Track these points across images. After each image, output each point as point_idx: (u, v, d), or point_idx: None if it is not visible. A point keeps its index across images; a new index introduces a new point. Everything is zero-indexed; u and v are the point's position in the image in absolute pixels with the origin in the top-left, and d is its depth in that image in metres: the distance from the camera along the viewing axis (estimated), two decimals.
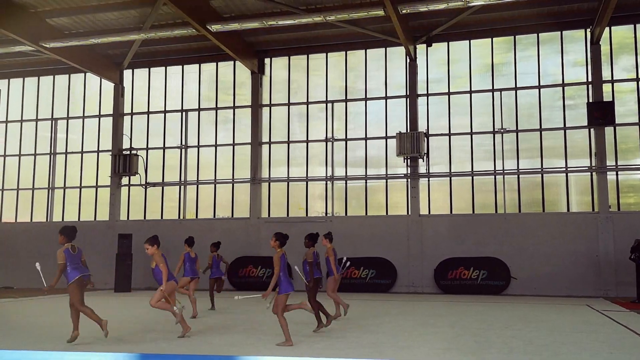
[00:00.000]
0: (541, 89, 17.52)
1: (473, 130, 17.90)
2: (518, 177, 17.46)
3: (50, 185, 21.41)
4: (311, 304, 9.03)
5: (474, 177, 17.76)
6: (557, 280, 16.41)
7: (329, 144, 19.02)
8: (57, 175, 21.45)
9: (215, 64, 20.16)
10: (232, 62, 19.75)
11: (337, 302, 10.65)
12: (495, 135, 17.68)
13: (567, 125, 17.20)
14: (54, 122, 21.68)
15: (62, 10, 17.20)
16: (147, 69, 20.88)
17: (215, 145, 20.01)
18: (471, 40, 18.12)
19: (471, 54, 18.15)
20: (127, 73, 21.05)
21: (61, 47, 17.73)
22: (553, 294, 16.23)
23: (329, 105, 19.17)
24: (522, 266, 16.76)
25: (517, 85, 17.69)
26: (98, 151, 21.02)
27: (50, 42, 17.32)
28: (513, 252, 16.89)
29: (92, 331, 8.65)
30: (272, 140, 19.59)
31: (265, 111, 19.76)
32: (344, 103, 19.09)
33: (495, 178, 17.60)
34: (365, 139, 18.75)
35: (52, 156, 21.57)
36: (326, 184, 18.94)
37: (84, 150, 21.22)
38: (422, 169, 18.09)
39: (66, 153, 21.44)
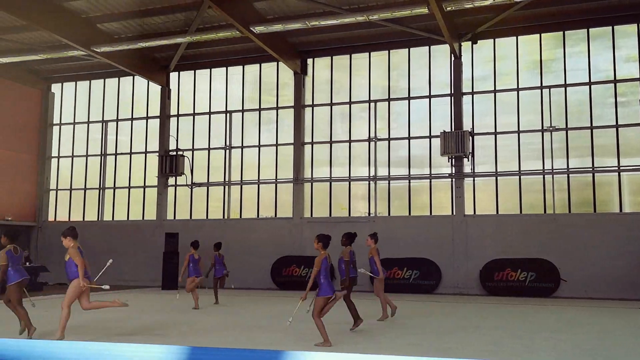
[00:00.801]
0: (592, 86, 16.97)
1: (520, 129, 17.50)
2: (568, 177, 16.97)
3: (101, 186, 22.07)
4: (348, 302, 9.05)
5: (522, 177, 17.36)
6: (609, 283, 15.85)
7: (372, 143, 18.94)
8: (108, 176, 22.10)
9: (258, 65, 20.37)
10: (275, 63, 19.90)
11: (386, 302, 10.58)
12: (544, 133, 17.24)
13: (619, 123, 16.61)
14: (104, 124, 22.34)
15: (112, 15, 17.71)
16: (193, 72, 21.26)
17: (259, 146, 20.21)
18: (518, 37, 17.72)
19: (518, 51, 17.75)
20: (173, 75, 21.50)
21: (111, 51, 18.24)
22: (605, 296, 15.68)
23: (372, 104, 19.09)
24: (572, 268, 16.27)
25: (567, 82, 17.19)
26: (146, 152, 21.54)
27: (101, 47, 17.85)
28: (563, 254, 16.41)
29: (135, 324, 8.85)
30: (314, 141, 19.64)
31: (307, 111, 19.83)
32: (387, 102, 18.97)
33: (544, 178, 17.16)
34: (409, 138, 18.58)
35: (102, 157, 22.23)
36: (369, 184, 18.86)
37: (132, 151, 21.79)
38: (466, 169, 17.80)
39: (116, 154, 22.06)
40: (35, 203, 22.53)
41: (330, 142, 19.44)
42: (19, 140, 21.90)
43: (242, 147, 20.42)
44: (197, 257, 13.26)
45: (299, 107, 19.66)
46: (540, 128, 17.28)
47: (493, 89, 17.90)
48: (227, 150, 20.55)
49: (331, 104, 19.56)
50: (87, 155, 22.47)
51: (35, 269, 18.29)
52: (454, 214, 17.65)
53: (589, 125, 16.85)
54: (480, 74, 18.14)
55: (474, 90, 18.07)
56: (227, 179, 20.41)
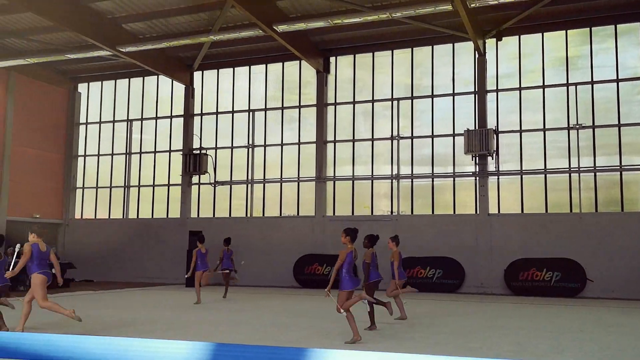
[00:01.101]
0: (619, 83, 16.66)
1: (546, 127, 17.26)
2: (595, 175, 16.68)
3: (126, 184, 22.35)
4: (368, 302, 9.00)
5: (547, 175, 17.12)
6: (638, 283, 15.54)
7: (395, 142, 18.85)
8: (132, 174, 22.37)
9: (281, 64, 20.41)
10: (298, 61, 19.92)
11: (401, 303, 10.48)
12: (570, 131, 16.97)
13: None
14: (129, 123, 22.62)
15: (136, 16, 17.91)
16: (216, 71, 21.40)
17: (281, 144, 20.26)
18: (544, 33, 17.47)
19: (544, 48, 17.50)
20: (197, 75, 21.67)
21: (136, 51, 18.46)
22: (633, 297, 15.38)
23: (395, 103, 18.99)
24: (599, 268, 15.99)
25: (594, 79, 16.90)
26: (170, 151, 21.75)
27: (126, 47, 18.07)
28: (589, 253, 16.14)
29: (159, 321, 8.93)
30: (337, 139, 19.62)
31: (330, 110, 19.82)
32: (410, 100, 18.86)
33: (570, 176, 16.90)
34: (432, 136, 18.45)
35: (127, 156, 22.51)
36: (391, 182, 18.77)
37: (156, 150, 22.02)
38: (491, 167, 17.62)
39: (140, 153, 22.32)
40: (62, 201, 22.92)
41: (353, 141, 19.40)
42: (47, 139, 22.29)
43: (265, 145, 20.50)
44: (204, 251, 13.65)
45: (321, 105, 19.66)
46: (566, 126, 17.02)
47: (518, 86, 17.68)
48: (250, 149, 20.64)
49: (354, 102, 19.52)
50: (112, 154, 22.78)
51: (62, 266, 18.59)
52: (478, 212, 17.49)
53: (617, 123, 16.54)
54: (505, 71, 17.93)
55: (499, 88, 17.87)
56: (249, 178, 20.51)
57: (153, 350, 1.95)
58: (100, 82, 23.18)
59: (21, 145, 21.18)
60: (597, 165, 16.63)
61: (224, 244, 14.88)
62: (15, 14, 17.68)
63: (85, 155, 23.25)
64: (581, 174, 16.78)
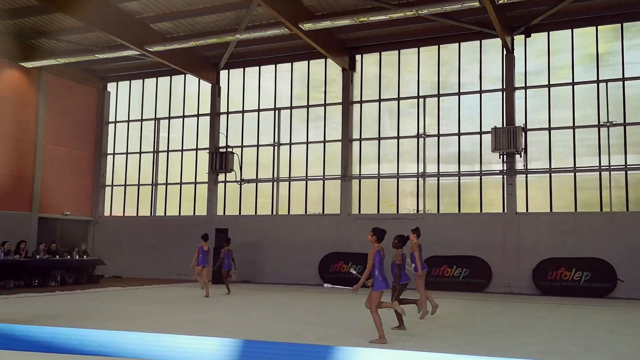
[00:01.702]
0: None
1: (576, 124, 16.97)
2: (626, 174, 16.35)
3: (154, 182, 22.65)
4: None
5: (577, 174, 16.84)
6: None
7: (421, 140, 18.73)
8: (160, 172, 22.66)
9: (307, 62, 20.44)
10: (324, 59, 19.93)
11: (425, 299, 10.41)
12: (601, 129, 16.66)
13: None
14: (156, 121, 22.91)
15: (164, 15, 18.12)
16: (242, 69, 21.53)
17: (307, 143, 20.30)
18: (574, 29, 17.17)
19: (574, 44, 17.20)
20: (223, 73, 21.83)
21: (163, 50, 18.68)
22: None
23: (421, 100, 18.88)
24: (630, 268, 15.67)
25: (625, 76, 16.56)
26: (197, 149, 21.97)
27: (154, 46, 18.29)
28: (620, 253, 15.83)
29: (188, 318, 9.00)
30: (362, 137, 19.58)
31: (355, 108, 19.79)
32: (437, 98, 18.72)
33: (600, 174, 16.59)
34: (459, 134, 18.29)
35: (155, 154, 22.80)
36: (417, 180, 18.67)
37: (184, 148, 22.26)
38: (519, 165, 17.40)
39: (168, 151, 22.60)
40: (92, 198, 23.32)
41: (379, 139, 19.34)
42: (77, 137, 22.71)
43: (290, 143, 20.56)
44: (207, 249, 14.81)
45: (347, 103, 19.64)
46: (596, 123, 16.72)
47: (547, 83, 17.42)
48: (276, 147, 20.73)
49: (379, 100, 19.45)
50: (140, 152, 23.09)
51: (92, 262, 18.95)
52: (506, 211, 17.29)
53: None
54: (534, 68, 17.67)
55: (527, 85, 17.63)
56: (275, 176, 20.60)
57: (182, 346, 1.98)
58: (128, 81, 23.51)
59: (52, 144, 21.62)
60: (628, 163, 16.30)
61: (225, 244, 15.83)
62: (46, 15, 18.06)
63: (114, 154, 23.61)
64: (612, 173, 16.47)
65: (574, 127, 16.97)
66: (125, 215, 23.12)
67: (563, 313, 11.84)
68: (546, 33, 17.47)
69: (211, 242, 19.64)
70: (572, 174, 16.87)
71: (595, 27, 16.95)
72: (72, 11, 16.35)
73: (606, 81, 16.75)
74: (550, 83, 17.39)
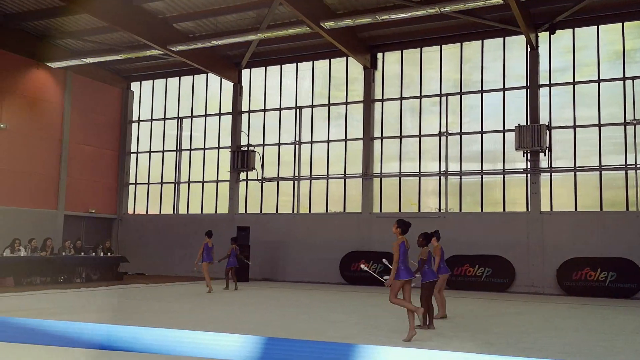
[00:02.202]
0: None
1: (601, 122, 16.69)
2: None
3: (176, 180, 22.86)
4: (423, 303, 8.94)
5: (602, 172, 16.57)
6: None
7: (443, 138, 18.61)
8: (182, 171, 22.86)
9: (328, 60, 20.44)
10: (345, 58, 19.90)
11: (444, 302, 10.32)
12: (627, 126, 16.36)
13: None
14: (179, 120, 23.11)
15: (186, 15, 18.27)
16: (264, 68, 21.61)
17: (328, 141, 20.30)
18: (599, 26, 16.89)
19: (599, 41, 16.91)
20: (244, 72, 21.94)
21: (186, 49, 18.83)
22: None
23: (443, 98, 18.74)
24: None
25: None
26: (219, 147, 22.11)
27: (177, 46, 18.46)
28: None
29: (208, 316, 9.05)
30: (383, 135, 19.52)
31: (377, 106, 19.72)
32: (459, 96, 18.57)
33: (626, 173, 16.30)
34: (481, 132, 18.12)
35: (177, 152, 23.01)
36: (439, 179, 18.55)
37: (206, 146, 22.43)
38: (543, 164, 17.18)
39: (190, 149, 22.79)
40: (116, 196, 23.63)
41: (400, 137, 19.25)
42: (101, 136, 23.03)
43: (312, 142, 20.58)
44: (211, 245, 15.19)
45: (368, 101, 19.59)
46: (622, 121, 16.42)
47: (572, 80, 17.16)
48: (297, 146, 20.77)
49: (401, 98, 19.36)
50: (163, 151, 23.33)
51: (116, 260, 19.20)
52: (529, 210, 17.09)
53: None
54: (559, 65, 17.43)
55: (552, 83, 17.39)
56: (296, 174, 20.64)
57: (205, 343, 2.00)
58: (151, 81, 23.76)
59: (78, 143, 21.95)
60: None
61: (232, 242, 16.21)
62: (71, 15, 18.35)
63: (137, 152, 23.89)
64: (638, 171, 16.16)
65: (599, 125, 16.70)
66: (149, 213, 23.37)
67: (588, 313, 11.67)
68: (571, 30, 17.21)
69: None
70: (598, 172, 16.61)
71: (621, 24, 16.64)
72: (97, 12, 16.57)
73: (633, 78, 16.45)
74: (575, 80, 17.13)
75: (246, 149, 21.12)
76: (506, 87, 17.93)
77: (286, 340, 1.96)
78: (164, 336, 2.05)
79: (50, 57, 20.33)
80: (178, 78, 23.13)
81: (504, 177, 17.73)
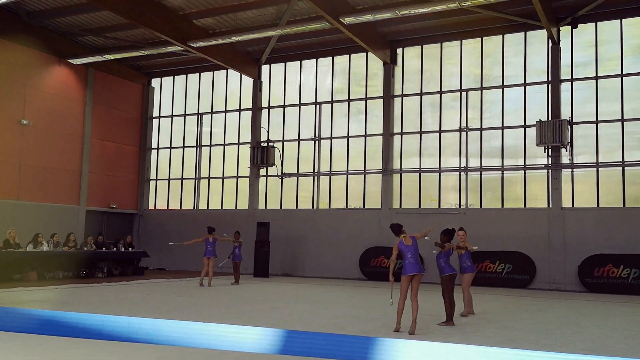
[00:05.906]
0: None
1: (624, 117, 16.43)
2: None
3: (197, 176, 23.03)
4: (445, 299, 8.98)
5: (625, 168, 16.31)
6: None
7: (463, 133, 18.47)
8: (203, 166, 23.02)
9: (347, 56, 20.39)
10: (365, 53, 19.83)
11: (470, 299, 10.29)
12: None
13: None
14: (199, 116, 23.26)
15: (206, 11, 18.36)
16: (283, 64, 21.63)
17: (348, 137, 20.27)
18: (622, 19, 16.60)
19: (622, 34, 16.62)
20: (264, 68, 21.98)
21: (206, 46, 18.92)
22: None
23: (463, 94, 18.59)
24: None
25: None
26: (238, 143, 22.21)
27: (197, 42, 18.56)
28: None
29: (230, 311, 9.11)
30: (403, 131, 19.43)
31: (397, 102, 19.64)
32: (479, 91, 18.41)
33: None
34: (502, 128, 17.95)
35: (198, 148, 23.17)
36: (459, 175, 18.42)
37: (226, 142, 22.55)
38: (564, 159, 16.96)
39: (210, 145, 22.93)
40: (137, 192, 23.89)
41: (420, 133, 19.15)
42: (122, 132, 23.28)
43: (331, 138, 20.57)
44: (212, 240, 15.58)
45: (388, 97, 19.51)
46: None
47: (594, 75, 16.90)
48: (317, 141, 20.77)
49: (421, 94, 19.25)
50: (183, 147, 23.50)
51: (137, 255, 19.41)
52: (551, 206, 16.90)
53: None
54: (581, 59, 17.18)
55: (574, 77, 17.15)
56: (316, 170, 20.65)
57: (226, 335, 2.02)
58: (172, 77, 23.93)
59: (99, 139, 22.21)
60: None
61: (236, 236, 16.68)
62: (93, 12, 18.55)
63: (158, 148, 24.10)
64: None
65: (622, 120, 16.44)
66: (169, 208, 23.58)
67: (610, 310, 11.52)
68: (593, 23, 16.94)
69: (252, 236, 19.96)
70: (621, 168, 16.36)
71: None
72: (118, 8, 16.73)
73: None
74: (598, 75, 16.87)
75: (266, 144, 21.19)
76: (527, 82, 17.72)
77: (304, 333, 1.97)
78: (186, 328, 2.08)
79: (72, 54, 20.59)
80: (198, 74, 23.26)
81: (524, 173, 17.55)
